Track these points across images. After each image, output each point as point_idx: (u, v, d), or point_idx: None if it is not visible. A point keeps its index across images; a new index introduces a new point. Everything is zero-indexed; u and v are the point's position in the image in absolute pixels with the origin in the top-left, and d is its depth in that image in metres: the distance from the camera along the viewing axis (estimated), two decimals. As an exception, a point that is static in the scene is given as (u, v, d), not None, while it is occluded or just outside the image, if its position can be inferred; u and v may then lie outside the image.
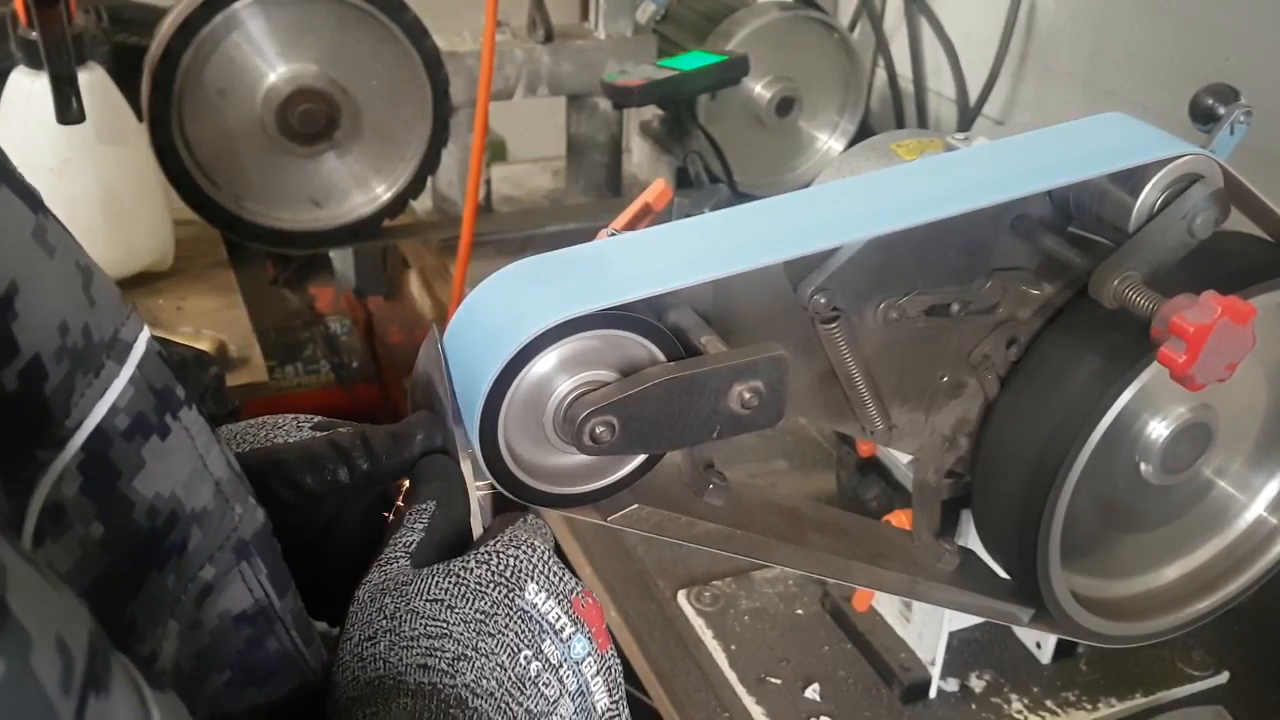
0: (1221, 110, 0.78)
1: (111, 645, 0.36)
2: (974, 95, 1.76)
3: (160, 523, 0.45)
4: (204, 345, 1.43)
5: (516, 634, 0.52)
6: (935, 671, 0.99)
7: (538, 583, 0.53)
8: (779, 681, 1.01)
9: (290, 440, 0.61)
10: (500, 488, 0.60)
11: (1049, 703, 0.99)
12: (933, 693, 0.99)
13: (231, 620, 0.50)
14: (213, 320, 1.56)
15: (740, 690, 1.00)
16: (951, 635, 0.98)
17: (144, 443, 0.45)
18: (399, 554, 0.55)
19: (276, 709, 0.52)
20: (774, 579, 1.11)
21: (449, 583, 0.53)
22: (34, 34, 1.34)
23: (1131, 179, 0.67)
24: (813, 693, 0.99)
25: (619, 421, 0.58)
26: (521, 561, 0.54)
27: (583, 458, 0.61)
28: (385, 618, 0.52)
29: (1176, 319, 0.62)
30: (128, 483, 0.44)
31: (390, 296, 1.90)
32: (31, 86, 1.41)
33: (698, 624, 1.06)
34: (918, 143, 0.90)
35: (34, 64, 1.40)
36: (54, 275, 0.42)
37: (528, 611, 0.53)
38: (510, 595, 0.53)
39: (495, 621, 0.52)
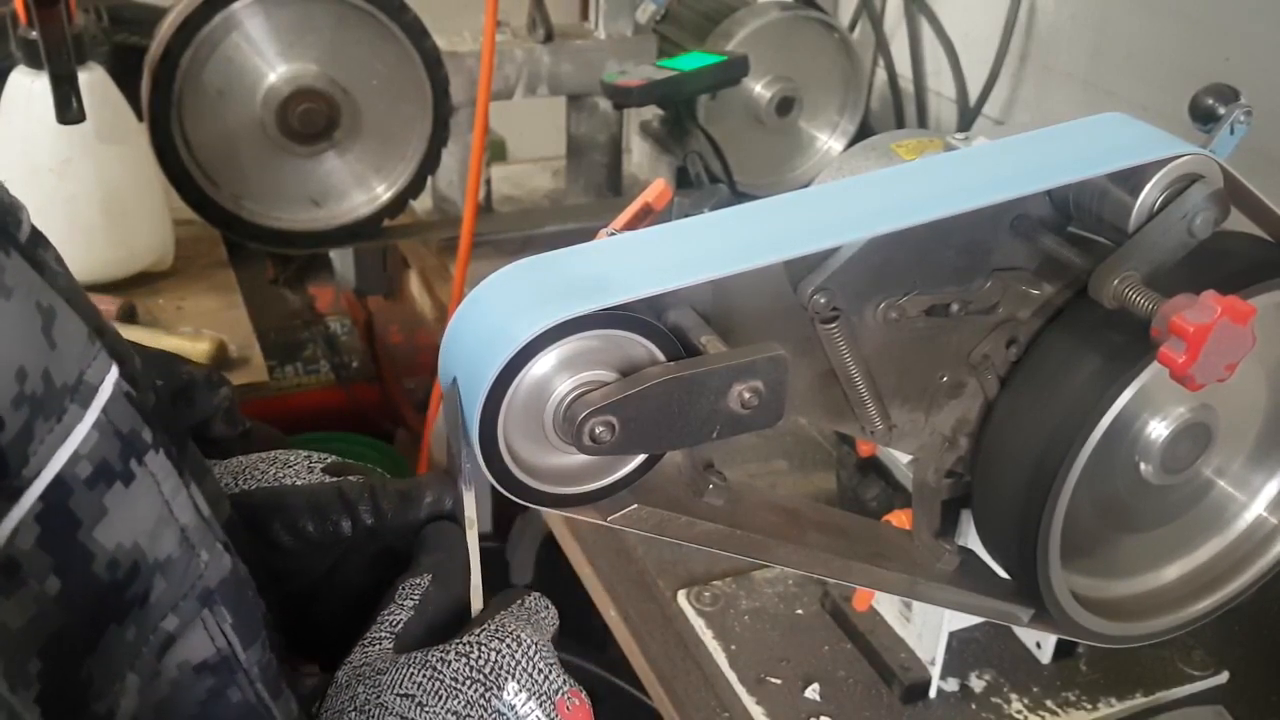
0: (1221, 110, 0.77)
1: None
2: (974, 95, 1.76)
3: (121, 575, 0.43)
4: (204, 345, 1.43)
5: None
6: (935, 671, 0.99)
7: (519, 681, 0.51)
8: (779, 681, 1.01)
9: (299, 481, 0.59)
10: (501, 488, 0.60)
11: (1049, 703, 0.99)
12: (933, 693, 0.99)
13: (192, 670, 0.47)
14: (213, 320, 1.56)
15: (740, 690, 1.00)
16: (951, 635, 0.98)
17: (107, 490, 0.42)
18: (384, 634, 0.53)
19: None
20: (774, 579, 1.11)
21: (423, 676, 0.50)
22: (34, 34, 1.34)
23: (1131, 179, 0.67)
24: (813, 693, 0.99)
25: (619, 421, 0.57)
26: (504, 656, 0.51)
27: (582, 458, 0.61)
28: (355, 709, 0.50)
29: (1176, 319, 0.62)
30: (88, 533, 0.42)
31: (390, 296, 1.91)
32: (31, 86, 1.41)
33: (698, 624, 1.06)
34: (918, 143, 0.90)
35: (34, 64, 1.40)
36: (10, 319, 0.40)
37: (504, 714, 0.50)
38: (487, 694, 0.50)
39: None
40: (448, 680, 0.50)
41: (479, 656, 0.51)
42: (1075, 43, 1.63)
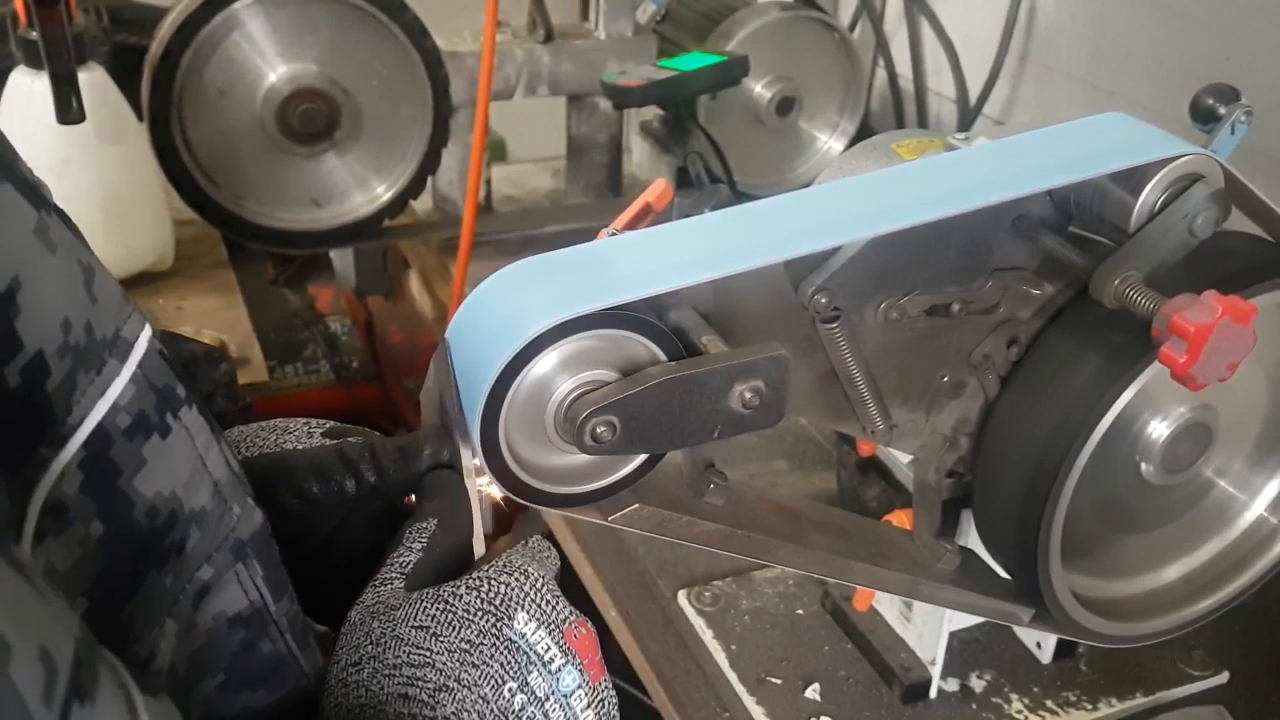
0: (1222, 110, 0.78)
1: (101, 652, 0.36)
2: (974, 95, 1.76)
3: (160, 522, 0.45)
4: (207, 343, 1.43)
5: (502, 665, 0.51)
6: (935, 671, 0.99)
7: (528, 611, 0.52)
8: (779, 681, 1.01)
9: (300, 446, 0.61)
10: (501, 487, 0.60)
11: (1049, 703, 0.99)
12: (933, 693, 0.99)
13: (226, 622, 0.49)
14: (213, 320, 1.56)
15: (740, 690, 1.00)
16: (951, 635, 0.98)
17: (145, 441, 0.44)
18: (394, 574, 0.54)
19: (269, 713, 0.52)
20: (774, 579, 1.11)
21: (436, 609, 0.52)
22: (34, 34, 1.34)
23: (1132, 179, 0.67)
24: (813, 693, 0.99)
25: (619, 421, 0.57)
26: (513, 589, 0.52)
27: (583, 457, 0.61)
28: (371, 643, 0.51)
29: (1177, 319, 0.62)
30: (128, 481, 0.44)
31: (390, 296, 1.90)
32: (31, 86, 1.41)
33: (698, 624, 1.06)
34: (918, 143, 0.90)
35: (34, 64, 1.40)
36: (56, 272, 0.42)
37: (515, 641, 0.51)
38: (498, 624, 0.52)
39: (481, 651, 0.51)
40: (460, 612, 0.52)
41: (489, 589, 0.52)
42: (1075, 43, 1.63)
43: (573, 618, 0.54)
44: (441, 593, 0.52)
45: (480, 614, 0.52)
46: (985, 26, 1.72)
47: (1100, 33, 1.59)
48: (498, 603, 0.52)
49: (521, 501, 0.61)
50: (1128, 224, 0.68)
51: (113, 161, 1.50)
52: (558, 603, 0.54)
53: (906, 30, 1.88)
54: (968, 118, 1.77)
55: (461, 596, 0.52)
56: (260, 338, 1.57)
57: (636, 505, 0.65)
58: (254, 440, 0.61)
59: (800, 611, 1.08)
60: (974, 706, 0.99)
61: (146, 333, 0.46)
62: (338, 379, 1.86)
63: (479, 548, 0.58)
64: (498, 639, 0.51)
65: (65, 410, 0.41)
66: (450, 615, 0.52)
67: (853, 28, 1.97)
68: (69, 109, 1.36)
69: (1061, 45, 1.65)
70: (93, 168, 1.48)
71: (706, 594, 1.09)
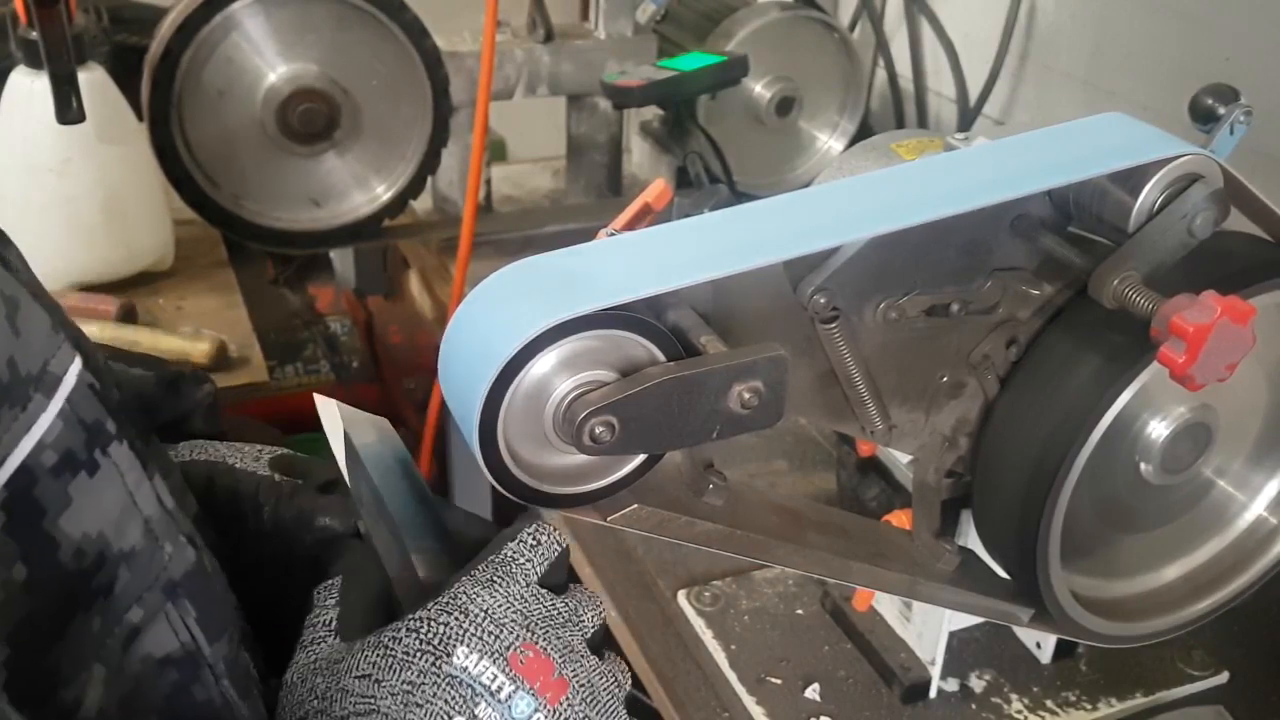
0: (1221, 110, 0.77)
1: None
2: (974, 95, 1.75)
3: (87, 563, 0.44)
4: (204, 345, 1.43)
5: (446, 701, 0.50)
6: (935, 671, 0.99)
7: (468, 645, 0.52)
8: (779, 681, 1.01)
9: (239, 463, 0.61)
10: (501, 488, 0.60)
11: (1049, 703, 0.99)
12: (933, 693, 0.99)
13: (155, 664, 0.48)
14: (213, 320, 1.56)
15: (740, 690, 1.00)
16: (951, 635, 0.98)
17: (72, 479, 0.43)
18: (320, 634, 0.54)
19: None
20: (774, 579, 1.11)
21: (377, 655, 0.51)
22: (34, 34, 1.34)
23: (1131, 179, 0.67)
24: (813, 693, 0.99)
25: (619, 421, 0.57)
26: (450, 628, 0.52)
27: (582, 458, 0.61)
28: (316, 698, 0.51)
29: (1176, 319, 0.62)
30: (53, 522, 0.42)
31: (390, 296, 1.90)
32: (31, 86, 1.41)
33: (698, 624, 1.06)
34: (918, 143, 0.90)
35: (34, 64, 1.40)
36: None
37: (457, 676, 0.51)
38: (437, 663, 0.51)
39: (423, 691, 0.50)
40: (399, 655, 0.51)
41: (427, 630, 0.52)
42: (1075, 43, 1.63)
43: (518, 643, 0.53)
44: (382, 639, 0.52)
45: (419, 654, 0.51)
46: (985, 26, 1.72)
47: (1100, 33, 1.59)
48: (435, 642, 0.52)
49: (521, 502, 0.61)
50: (1127, 224, 0.68)
51: (113, 161, 1.50)
52: (501, 631, 0.53)
53: (906, 30, 1.88)
54: (968, 118, 1.77)
55: (400, 640, 0.52)
56: (260, 338, 1.57)
57: (635, 505, 0.65)
58: (201, 450, 0.61)
59: (800, 611, 1.08)
60: (974, 706, 0.99)
61: (76, 366, 0.45)
62: (338, 379, 1.86)
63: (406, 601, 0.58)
64: (438, 676, 0.51)
65: None
66: (390, 659, 0.51)
67: (853, 28, 1.96)
68: (69, 109, 1.36)
69: (1061, 45, 1.65)
70: (93, 168, 1.48)
71: (706, 594, 1.09)
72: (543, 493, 0.62)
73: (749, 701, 0.99)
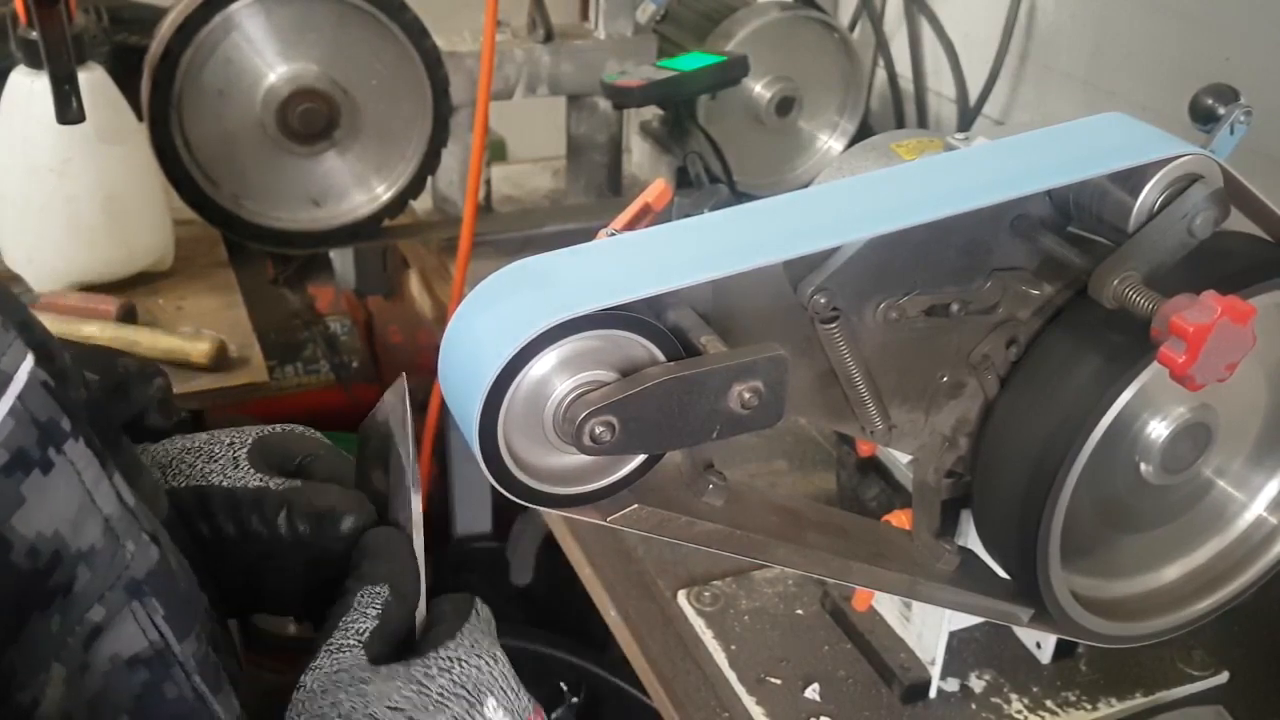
0: (1221, 110, 0.78)
1: None
2: (974, 95, 1.75)
3: (43, 563, 0.43)
4: (204, 345, 1.43)
5: None
6: (935, 671, 0.99)
7: (497, 698, 0.52)
8: (779, 681, 1.01)
9: (225, 477, 0.59)
10: (500, 488, 0.60)
11: (1049, 703, 0.99)
12: (933, 693, 0.99)
13: (124, 664, 0.47)
14: (213, 320, 1.56)
15: (740, 690, 1.00)
16: (951, 635, 0.98)
17: (24, 478, 0.42)
18: (350, 640, 0.53)
19: None
20: (774, 579, 1.11)
21: (410, 690, 0.51)
22: (34, 34, 1.33)
23: (1131, 179, 0.67)
24: (813, 693, 0.99)
25: (619, 421, 0.57)
26: (483, 674, 0.53)
27: (582, 458, 0.61)
28: (339, 715, 0.50)
29: (1176, 319, 0.62)
30: (5, 521, 0.42)
31: (390, 296, 1.90)
32: (31, 86, 1.41)
33: (698, 624, 1.06)
34: (918, 143, 0.90)
35: (34, 64, 1.40)
36: None
37: None
38: (471, 711, 0.51)
39: None
40: (434, 694, 0.51)
41: (461, 673, 0.52)
42: (1075, 43, 1.63)
43: (531, 707, 0.54)
44: (414, 673, 0.52)
45: (454, 698, 0.51)
46: (985, 26, 1.72)
47: (1100, 33, 1.59)
48: (470, 687, 0.52)
49: (521, 502, 0.62)
50: (1127, 224, 0.68)
51: (113, 161, 1.50)
52: (520, 691, 0.54)
53: (906, 30, 1.88)
54: (968, 118, 1.77)
55: (434, 678, 0.52)
56: (260, 338, 1.57)
57: (635, 505, 0.65)
58: (177, 467, 0.60)
59: (800, 611, 1.08)
60: (973, 706, 0.99)
61: (28, 364, 0.44)
62: (337, 379, 1.86)
63: (422, 609, 0.57)
64: None
65: None
66: (425, 698, 0.51)
67: (853, 28, 1.96)
68: (69, 109, 1.36)
69: (1061, 45, 1.65)
70: (93, 168, 1.47)
71: (706, 594, 1.09)
72: (543, 493, 0.62)
73: (749, 701, 0.99)
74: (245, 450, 0.60)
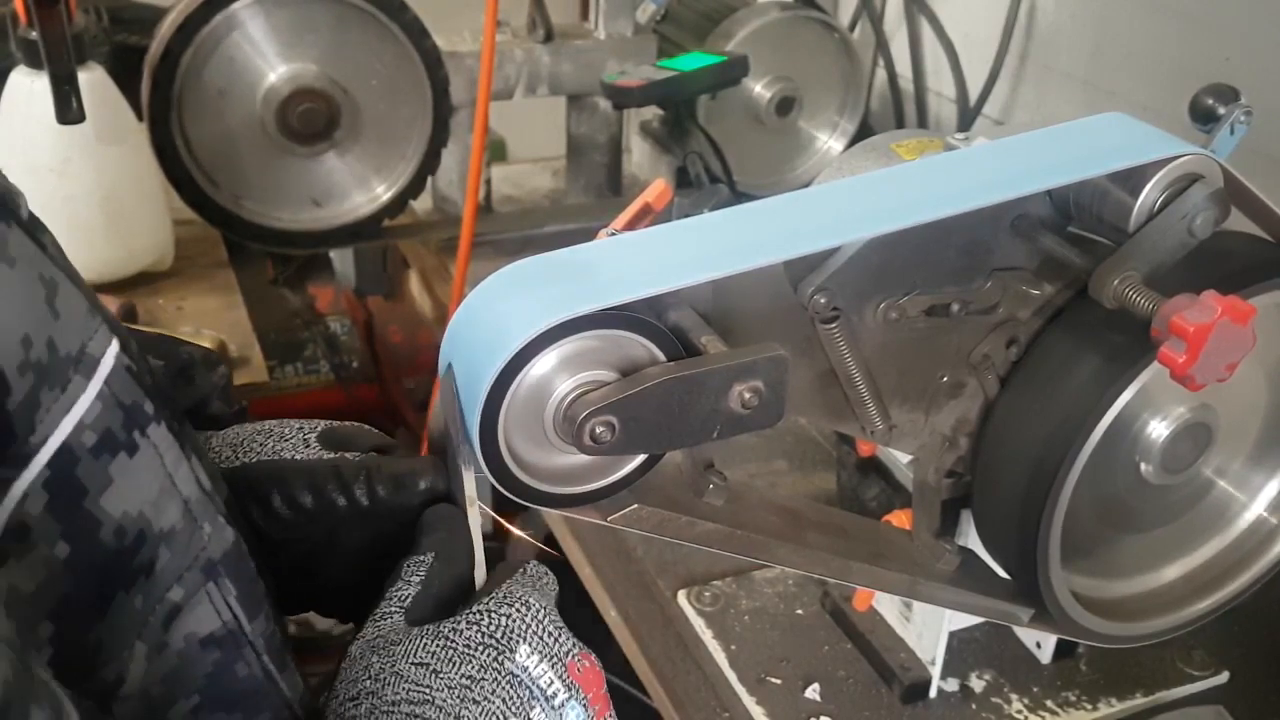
0: (1221, 110, 0.78)
1: (38, 692, 0.35)
2: (974, 95, 1.76)
3: (128, 542, 0.44)
4: (204, 345, 1.43)
5: (504, 700, 0.50)
6: (935, 671, 0.99)
7: (530, 644, 0.52)
8: (779, 681, 1.01)
9: (296, 455, 0.60)
10: (501, 488, 0.60)
11: (1049, 703, 0.99)
12: (933, 692, 0.99)
13: (199, 643, 0.48)
14: (213, 320, 1.56)
15: (740, 690, 1.00)
16: (951, 635, 0.98)
17: (111, 460, 0.43)
18: (393, 608, 0.54)
19: None
20: (774, 579, 1.11)
21: (436, 645, 0.51)
22: (34, 34, 1.34)
23: (1131, 179, 0.67)
24: (813, 693, 0.99)
25: (619, 421, 0.57)
26: (514, 621, 0.52)
27: (583, 458, 0.61)
28: (370, 678, 0.51)
29: (1176, 319, 0.62)
30: (94, 501, 0.43)
31: (390, 296, 1.90)
32: (31, 86, 1.41)
33: (698, 624, 1.06)
34: (918, 143, 0.90)
35: (34, 64, 1.40)
36: (14, 287, 0.41)
37: (518, 676, 0.51)
38: (500, 658, 0.51)
39: (482, 687, 0.50)
40: (460, 647, 0.51)
41: (490, 623, 0.52)
42: (1075, 43, 1.63)
43: (576, 650, 0.53)
44: (442, 628, 0.52)
45: (481, 648, 0.51)
46: (985, 26, 1.72)
47: (1100, 33, 1.59)
48: (499, 636, 0.52)
49: (521, 502, 0.61)
50: (1127, 224, 0.68)
51: (113, 161, 1.50)
52: (560, 634, 0.53)
53: (906, 30, 1.88)
54: (968, 118, 1.77)
55: (462, 631, 0.52)
56: (260, 338, 1.57)
57: (636, 505, 0.65)
58: (249, 445, 0.61)
59: (800, 611, 1.08)
60: (974, 706, 0.99)
61: (114, 348, 0.45)
62: (337, 379, 1.86)
63: (480, 577, 0.57)
64: (499, 673, 0.51)
65: (28, 429, 0.40)
66: (451, 651, 0.51)
67: (853, 28, 1.96)
68: (69, 109, 1.36)
69: (1061, 45, 1.65)
70: (93, 168, 1.48)
71: (706, 594, 1.09)
72: (543, 492, 0.62)
73: (749, 701, 0.99)
74: (315, 434, 0.62)
